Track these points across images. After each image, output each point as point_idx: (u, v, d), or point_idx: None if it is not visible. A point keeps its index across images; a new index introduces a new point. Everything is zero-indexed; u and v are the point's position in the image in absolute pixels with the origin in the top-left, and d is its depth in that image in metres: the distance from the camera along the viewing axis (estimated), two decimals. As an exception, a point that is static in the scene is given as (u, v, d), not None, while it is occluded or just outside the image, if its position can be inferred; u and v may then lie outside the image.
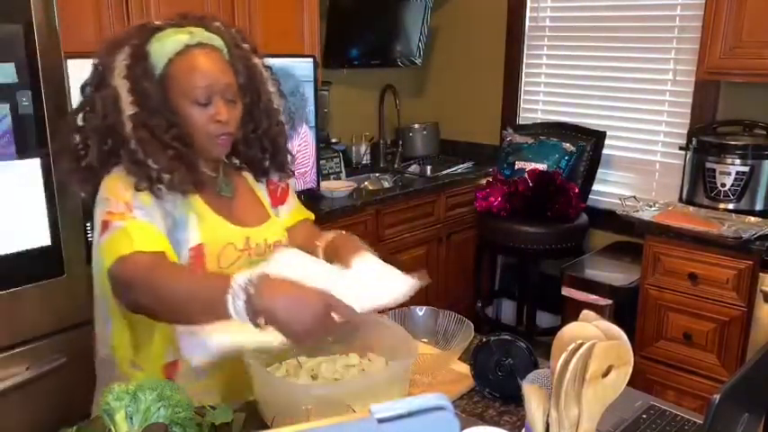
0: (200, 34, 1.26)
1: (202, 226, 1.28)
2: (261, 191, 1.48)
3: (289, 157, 1.49)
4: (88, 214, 1.95)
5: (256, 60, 1.37)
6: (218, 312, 1.04)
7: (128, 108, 1.21)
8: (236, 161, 1.44)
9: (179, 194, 1.25)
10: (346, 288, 1.14)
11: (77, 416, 1.13)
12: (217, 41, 1.28)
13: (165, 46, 1.23)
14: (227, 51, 1.29)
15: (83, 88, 1.29)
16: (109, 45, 1.26)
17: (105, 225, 1.20)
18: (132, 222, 1.19)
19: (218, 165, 1.36)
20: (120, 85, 1.22)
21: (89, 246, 1.96)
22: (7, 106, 1.67)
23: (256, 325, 1.03)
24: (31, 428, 1.79)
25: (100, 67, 1.26)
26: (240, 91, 1.31)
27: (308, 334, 1.05)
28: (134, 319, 1.26)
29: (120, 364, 1.31)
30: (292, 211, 1.52)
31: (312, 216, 1.58)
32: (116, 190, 1.23)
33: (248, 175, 1.47)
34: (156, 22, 1.28)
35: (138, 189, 1.21)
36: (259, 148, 1.42)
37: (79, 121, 1.26)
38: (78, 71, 2.04)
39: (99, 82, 1.25)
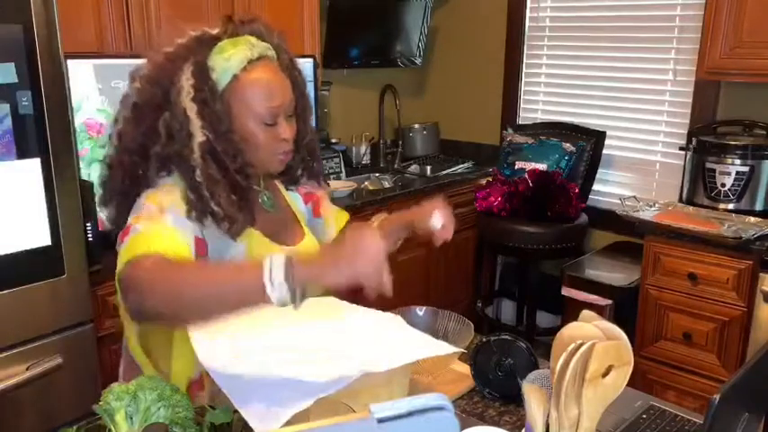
0: (259, 45, 1.21)
1: (250, 248, 1.24)
2: (295, 202, 1.44)
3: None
4: (88, 214, 1.95)
5: (298, 67, 1.33)
6: (250, 292, 0.96)
7: (198, 134, 1.14)
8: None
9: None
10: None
11: (77, 416, 1.12)
12: (271, 52, 1.24)
13: (228, 61, 1.17)
14: (278, 60, 1.25)
15: (133, 105, 1.19)
16: (166, 60, 1.18)
17: (126, 230, 1.13)
18: (156, 226, 1.12)
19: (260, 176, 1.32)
20: (189, 107, 1.14)
21: (89, 246, 1.97)
22: (7, 106, 1.67)
23: (294, 299, 0.96)
24: (31, 428, 1.79)
25: (158, 84, 1.17)
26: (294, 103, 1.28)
27: (376, 267, 0.96)
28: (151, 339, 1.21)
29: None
30: (337, 218, 1.49)
31: (348, 215, 1.55)
32: (156, 197, 1.16)
33: (281, 185, 1.43)
34: (212, 32, 1.22)
35: (188, 216, 1.16)
36: (300, 158, 1.37)
37: (115, 140, 1.21)
38: (78, 71, 2.06)
39: (159, 102, 1.17)
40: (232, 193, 1.18)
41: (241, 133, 1.20)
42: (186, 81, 1.15)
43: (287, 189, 1.44)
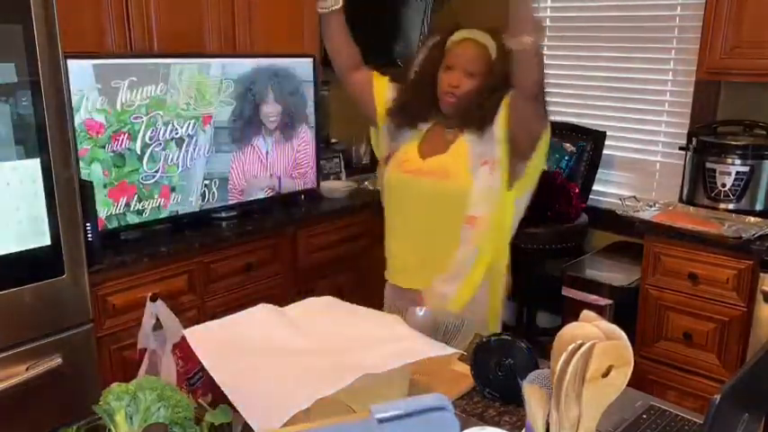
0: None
1: (406, 143, 1.79)
2: (467, 147, 1.73)
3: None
4: (88, 214, 1.95)
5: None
6: None
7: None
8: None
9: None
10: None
11: (77, 416, 1.12)
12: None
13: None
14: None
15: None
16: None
17: None
18: None
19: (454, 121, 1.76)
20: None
21: (89, 246, 1.97)
22: (7, 106, 1.67)
23: None
24: (30, 428, 1.79)
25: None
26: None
27: None
28: None
29: None
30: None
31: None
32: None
33: (470, 139, 1.73)
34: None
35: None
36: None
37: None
38: (78, 71, 2.06)
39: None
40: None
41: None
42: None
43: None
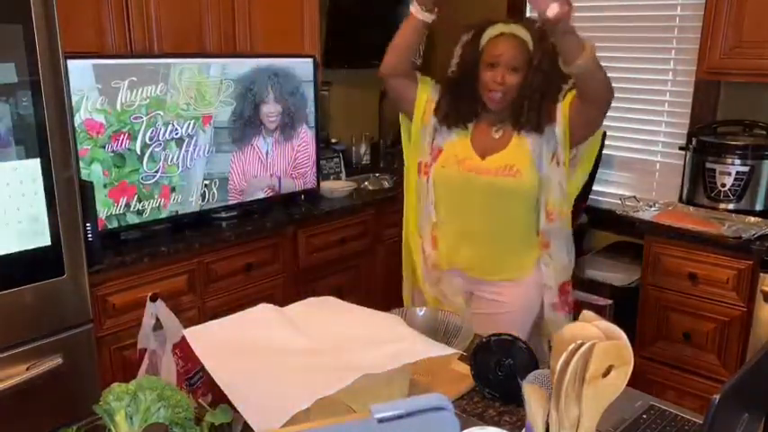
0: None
1: (453, 140, 1.85)
2: (527, 144, 1.79)
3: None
4: (88, 214, 1.95)
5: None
6: None
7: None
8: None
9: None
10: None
11: (77, 416, 1.13)
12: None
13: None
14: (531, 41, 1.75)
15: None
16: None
17: None
18: None
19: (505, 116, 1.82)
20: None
21: (89, 246, 1.97)
22: (7, 106, 1.67)
23: None
24: (30, 429, 1.79)
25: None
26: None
27: None
28: None
29: None
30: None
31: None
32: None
33: (528, 136, 1.79)
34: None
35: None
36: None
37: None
38: (78, 71, 2.06)
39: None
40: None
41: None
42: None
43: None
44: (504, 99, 1.78)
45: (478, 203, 1.83)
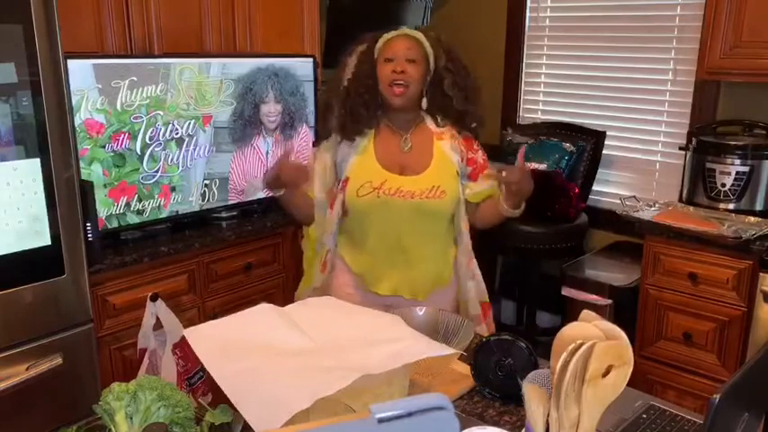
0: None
1: (356, 164, 1.76)
2: (452, 157, 1.81)
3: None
4: (88, 214, 1.95)
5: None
6: None
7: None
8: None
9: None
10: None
11: (77, 416, 1.13)
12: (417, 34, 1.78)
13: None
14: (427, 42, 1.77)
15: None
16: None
17: None
18: None
19: (410, 125, 1.82)
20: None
21: (89, 246, 1.97)
22: (7, 106, 1.67)
23: None
24: (31, 429, 1.79)
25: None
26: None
27: None
28: None
29: None
30: (480, 193, 1.87)
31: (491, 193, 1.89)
32: None
33: (446, 144, 1.81)
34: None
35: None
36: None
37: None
38: (78, 71, 2.06)
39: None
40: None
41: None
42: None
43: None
44: (407, 92, 1.73)
45: (397, 225, 1.76)
